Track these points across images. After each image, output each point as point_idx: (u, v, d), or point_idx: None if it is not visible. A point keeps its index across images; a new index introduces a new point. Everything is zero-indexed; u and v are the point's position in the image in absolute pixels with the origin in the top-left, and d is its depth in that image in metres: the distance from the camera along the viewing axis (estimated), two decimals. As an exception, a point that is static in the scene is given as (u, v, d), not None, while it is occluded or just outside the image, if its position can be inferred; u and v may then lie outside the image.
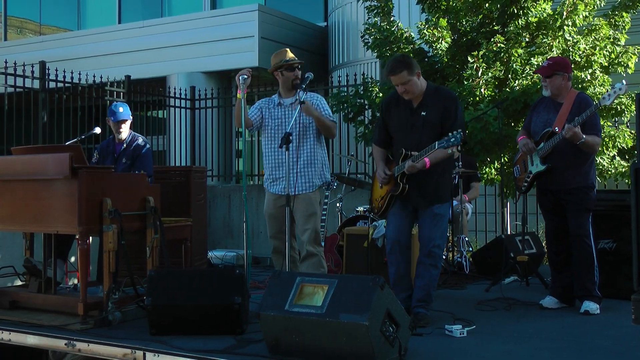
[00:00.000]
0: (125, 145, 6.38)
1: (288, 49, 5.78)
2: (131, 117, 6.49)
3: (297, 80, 5.64)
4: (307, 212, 5.61)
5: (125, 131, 6.40)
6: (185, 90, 11.53)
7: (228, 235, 10.35)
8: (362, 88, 9.28)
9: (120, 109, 6.43)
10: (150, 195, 5.28)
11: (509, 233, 8.43)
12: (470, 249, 7.90)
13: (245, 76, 5.36)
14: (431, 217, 4.95)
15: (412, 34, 8.82)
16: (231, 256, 8.92)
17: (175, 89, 11.63)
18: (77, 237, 5.03)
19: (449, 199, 5.05)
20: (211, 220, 10.13)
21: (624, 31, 8.59)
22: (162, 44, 14.33)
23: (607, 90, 5.24)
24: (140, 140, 6.39)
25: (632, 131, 8.19)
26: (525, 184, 5.61)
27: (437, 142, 4.72)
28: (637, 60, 8.51)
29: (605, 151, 7.98)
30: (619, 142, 8.04)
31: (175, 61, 14.14)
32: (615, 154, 8.14)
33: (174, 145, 11.87)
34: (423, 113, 4.94)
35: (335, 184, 7.63)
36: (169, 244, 5.42)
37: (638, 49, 8.52)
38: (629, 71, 8.50)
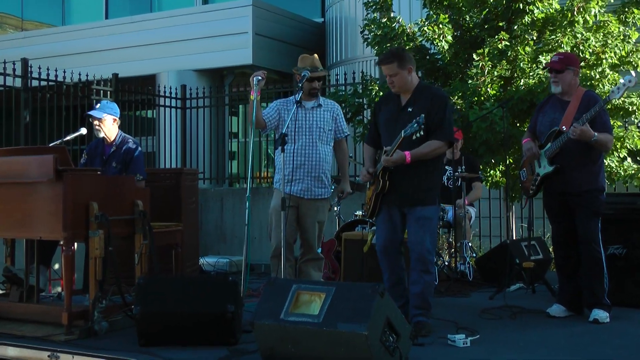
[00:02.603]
0: (115, 147, 6.31)
1: (315, 57, 5.89)
2: (110, 116, 6.29)
3: (314, 91, 5.80)
4: (320, 219, 5.80)
5: (107, 131, 6.27)
6: (176, 89, 11.53)
7: (221, 240, 10.34)
8: (361, 87, 9.29)
9: (97, 105, 6.40)
10: (139, 199, 5.28)
11: (514, 238, 8.44)
12: (474, 254, 7.90)
13: (260, 77, 5.45)
14: (415, 220, 4.97)
15: (414, 30, 8.84)
16: (224, 262, 8.91)
17: (165, 87, 11.61)
18: (61, 243, 5.02)
19: (436, 203, 5.05)
20: (203, 225, 10.12)
21: (634, 28, 8.60)
22: (151, 41, 14.32)
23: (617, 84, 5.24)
24: (131, 142, 6.35)
25: (643, 132, 8.22)
26: (534, 188, 5.61)
27: (402, 131, 4.80)
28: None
29: (614, 152, 8.00)
30: (628, 143, 8.06)
31: (165, 58, 14.14)
32: (626, 154, 8.17)
33: (164, 146, 11.86)
34: (409, 109, 5.01)
35: (333, 187, 7.63)
36: (158, 250, 5.42)
37: (650, 47, 8.54)
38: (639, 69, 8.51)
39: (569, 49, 8.00)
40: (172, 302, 4.56)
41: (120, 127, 6.55)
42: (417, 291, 4.94)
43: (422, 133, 4.76)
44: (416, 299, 4.95)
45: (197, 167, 11.14)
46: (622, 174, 8.11)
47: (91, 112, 6.29)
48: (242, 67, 13.59)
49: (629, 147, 8.13)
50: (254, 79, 5.42)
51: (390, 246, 5.07)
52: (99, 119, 6.22)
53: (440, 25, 8.45)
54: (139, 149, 6.33)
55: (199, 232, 7.97)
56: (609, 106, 7.04)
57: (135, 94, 11.12)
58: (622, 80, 5.16)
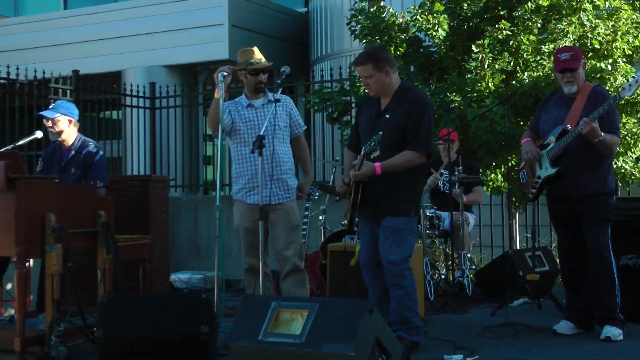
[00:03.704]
0: (73, 152, 6.29)
1: (255, 49, 5.93)
2: (64, 117, 6.21)
3: (261, 85, 5.87)
4: (291, 224, 5.81)
5: (63, 133, 6.24)
6: (144, 87, 11.50)
7: (195, 254, 10.31)
8: (348, 83, 9.31)
9: (52, 105, 6.38)
10: (101, 209, 5.27)
11: (517, 248, 8.47)
12: (474, 266, 7.94)
13: (226, 73, 5.51)
14: (383, 229, 5.05)
15: (407, 19, 8.87)
16: (198, 279, 8.91)
17: (132, 85, 11.59)
18: (14, 259, 5.00)
19: (410, 215, 5.09)
20: (174, 238, 10.10)
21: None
22: (116, 34, 14.27)
23: (629, 80, 5.25)
24: (92, 146, 6.34)
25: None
26: (534, 191, 5.64)
27: (362, 148, 4.95)
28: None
29: (627, 152, 8.02)
30: None
31: (132, 53, 14.09)
32: (640, 155, 8.21)
33: (131, 150, 11.84)
34: (387, 116, 5.07)
35: (318, 194, 7.66)
36: (124, 266, 5.40)
37: (666, 35, 8.59)
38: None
39: (575, 38, 8.05)
40: (139, 324, 4.55)
41: (82, 130, 6.53)
42: (393, 307, 5.04)
43: (378, 153, 4.89)
44: (393, 315, 5.05)
45: (167, 174, 11.11)
46: (638, 175, 8.16)
47: (43, 112, 6.27)
48: (218, 62, 13.53)
49: None
50: (219, 74, 5.47)
51: (371, 260, 5.17)
52: (52, 120, 6.19)
53: (435, 14, 8.50)
54: (101, 152, 6.31)
55: (169, 245, 7.97)
56: (621, 101, 7.08)
57: (98, 93, 11.08)
58: (634, 76, 5.19)
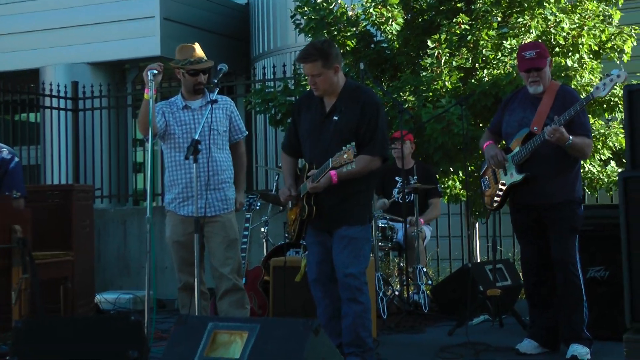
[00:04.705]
0: (-17, 159, 6.23)
1: (197, 46, 5.91)
2: None
3: (201, 86, 5.85)
4: (228, 238, 5.78)
5: None
6: (65, 86, 11.40)
7: (123, 272, 10.24)
8: (292, 82, 9.32)
9: None
10: (17, 223, 5.21)
11: (477, 261, 8.55)
12: (430, 282, 7.98)
13: (156, 71, 5.46)
14: (339, 239, 5.06)
15: (357, 12, 8.90)
16: (127, 299, 8.83)
17: (51, 84, 11.47)
18: None
19: (365, 223, 5.13)
20: (101, 254, 10.01)
21: (614, 8, 8.82)
22: (33, 27, 14.08)
23: (601, 79, 5.28)
24: (6, 152, 6.26)
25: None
26: (497, 199, 5.68)
27: (330, 159, 4.85)
28: (634, 44, 8.70)
29: (594, 155, 8.09)
30: (611, 142, 8.17)
31: (52, 49, 13.92)
32: (610, 157, 8.29)
33: (51, 157, 11.70)
34: (335, 118, 5.05)
35: (259, 203, 7.65)
36: (43, 286, 5.35)
37: (635, 30, 8.74)
38: (625, 58, 8.67)
39: (539, 33, 8.16)
40: (60, 351, 4.50)
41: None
42: (347, 325, 5.02)
43: (354, 166, 4.78)
44: (346, 334, 5.03)
45: (92, 183, 11.02)
46: (606, 180, 8.24)
47: None
48: (148, 59, 13.44)
49: (613, 147, 8.23)
50: (148, 73, 5.42)
51: (323, 275, 5.16)
52: None
53: (389, 7, 8.52)
54: (16, 159, 6.24)
55: (94, 262, 7.89)
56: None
57: (13, 93, 10.95)
58: (611, 74, 5.20)
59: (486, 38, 8.14)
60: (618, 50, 8.57)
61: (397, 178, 7.83)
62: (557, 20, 8.27)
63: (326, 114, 5.10)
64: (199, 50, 5.86)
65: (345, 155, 4.74)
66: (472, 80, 8.20)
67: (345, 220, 5.04)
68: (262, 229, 8.01)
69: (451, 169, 8.36)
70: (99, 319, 5.61)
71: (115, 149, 12.01)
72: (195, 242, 5.18)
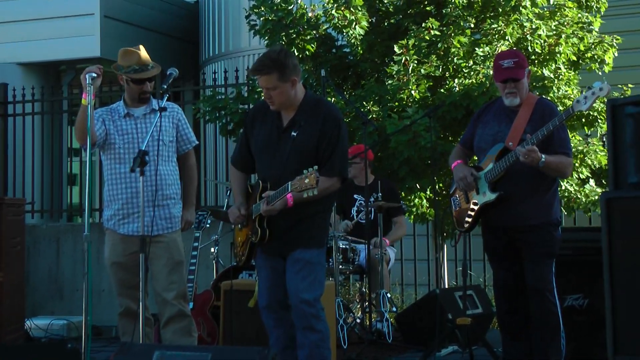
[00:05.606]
0: None
1: (142, 50, 5.87)
2: None
3: (146, 95, 5.83)
4: (172, 260, 5.75)
5: None
6: (-7, 88, 11.31)
7: (56, 295, 10.15)
8: (246, 89, 9.33)
9: None
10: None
11: (445, 287, 8.58)
12: (394, 309, 8.00)
13: (95, 74, 5.43)
14: (292, 263, 5.04)
15: (318, 13, 8.91)
16: (60, 325, 8.76)
17: (-23, 87, 11.38)
18: None
19: (322, 246, 5.16)
20: (31, 275, 9.92)
21: (598, 15, 8.92)
22: (-44, 23, 13.98)
23: (583, 92, 5.28)
24: None
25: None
26: (469, 220, 5.70)
27: (289, 183, 4.80)
28: (616, 54, 8.79)
29: (573, 174, 8.07)
30: (589, 160, 8.22)
31: (-22, 48, 13.83)
32: (589, 175, 8.34)
33: (-24, 167, 11.59)
34: (293, 134, 5.02)
35: (209, 221, 7.62)
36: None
37: (617, 39, 8.84)
38: (606, 69, 8.79)
39: (514, 40, 8.22)
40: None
41: None
42: (303, 356, 5.01)
43: (315, 192, 4.73)
44: None
45: (22, 196, 10.91)
46: (584, 200, 8.29)
47: None
48: (87, 60, 13.38)
49: (592, 165, 8.28)
50: (87, 76, 5.39)
51: (274, 301, 5.15)
52: None
53: (352, 9, 8.53)
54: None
55: (24, 284, 7.82)
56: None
57: None
58: (593, 87, 5.20)
59: (457, 45, 8.17)
60: (599, 60, 8.67)
61: (355, 196, 7.84)
62: (534, 27, 8.32)
63: (284, 129, 5.05)
64: (144, 55, 5.82)
65: (307, 180, 4.68)
66: (442, 90, 8.24)
67: (301, 242, 5.03)
68: (212, 249, 7.97)
69: (418, 186, 8.35)
70: (28, 347, 5.56)
71: (49, 158, 11.91)
72: (141, 263, 5.14)
